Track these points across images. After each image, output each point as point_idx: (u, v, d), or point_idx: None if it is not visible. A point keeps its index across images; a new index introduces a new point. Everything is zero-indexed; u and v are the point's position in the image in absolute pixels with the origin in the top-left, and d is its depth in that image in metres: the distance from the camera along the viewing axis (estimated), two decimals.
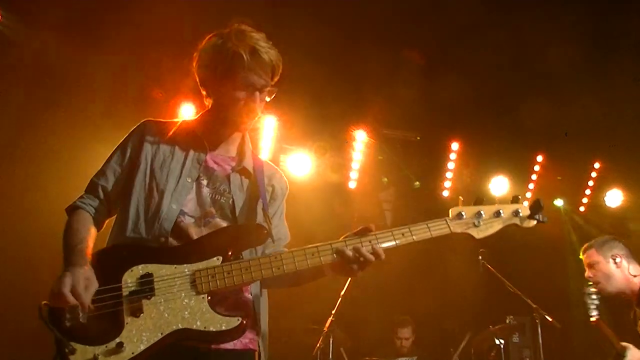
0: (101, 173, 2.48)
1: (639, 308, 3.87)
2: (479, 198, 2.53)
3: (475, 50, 6.13)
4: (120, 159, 2.48)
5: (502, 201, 2.54)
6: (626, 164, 7.62)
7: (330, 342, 5.93)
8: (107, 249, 2.35)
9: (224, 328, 2.19)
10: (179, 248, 2.32)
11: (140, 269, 2.23)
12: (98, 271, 2.20)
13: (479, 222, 2.48)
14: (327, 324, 5.89)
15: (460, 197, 2.53)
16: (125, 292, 2.19)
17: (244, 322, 2.22)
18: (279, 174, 2.71)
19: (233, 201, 2.45)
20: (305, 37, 5.28)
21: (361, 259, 2.31)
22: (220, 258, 2.29)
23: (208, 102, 2.56)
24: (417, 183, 7.67)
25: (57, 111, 5.47)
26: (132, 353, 2.11)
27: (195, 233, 2.37)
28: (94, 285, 2.15)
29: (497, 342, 6.24)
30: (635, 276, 3.94)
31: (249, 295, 2.44)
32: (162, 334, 2.16)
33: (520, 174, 7.85)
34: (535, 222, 2.52)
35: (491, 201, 2.54)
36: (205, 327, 2.19)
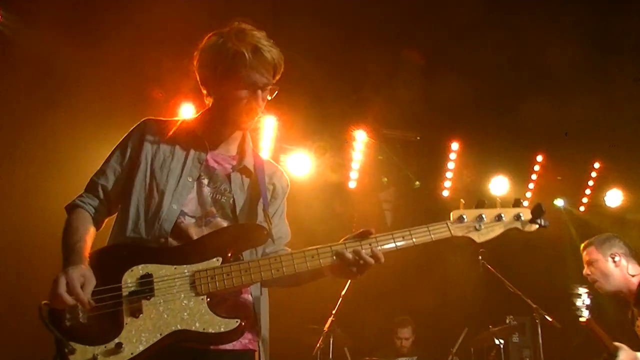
0: (101, 172, 2.48)
1: (636, 308, 3.87)
2: (481, 201, 2.52)
3: (475, 50, 6.13)
4: (120, 159, 2.48)
5: (504, 204, 2.53)
6: (626, 164, 7.63)
7: (331, 342, 5.94)
8: (107, 248, 2.35)
9: (222, 330, 2.19)
10: (179, 248, 2.32)
11: (140, 269, 2.23)
12: (98, 270, 2.19)
13: (480, 225, 2.47)
14: (327, 324, 5.89)
15: (462, 200, 2.52)
16: (125, 292, 2.19)
17: (243, 324, 2.22)
18: (279, 172, 2.70)
19: (234, 201, 2.45)
20: (305, 37, 5.28)
21: (361, 262, 2.30)
22: (220, 259, 2.28)
23: (208, 101, 2.55)
24: (417, 183, 7.67)
25: (57, 111, 5.47)
26: (131, 354, 2.11)
27: (195, 233, 2.36)
28: (91, 283, 2.14)
29: (497, 342, 6.25)
30: (633, 276, 3.93)
31: (249, 295, 2.44)
32: (161, 334, 2.16)
33: (520, 174, 7.84)
34: (536, 226, 2.51)
35: (493, 203, 2.52)
36: (204, 329, 2.18)
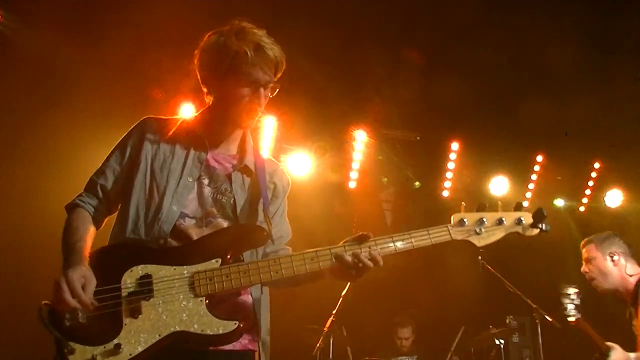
0: (100, 172, 2.48)
1: (633, 307, 3.86)
2: (482, 204, 2.50)
3: (475, 50, 6.13)
4: (120, 158, 2.48)
5: (505, 207, 2.52)
6: (626, 164, 7.62)
7: (331, 342, 5.94)
8: (107, 248, 2.35)
9: (220, 332, 2.19)
10: (179, 249, 2.31)
11: (139, 270, 2.23)
12: (97, 270, 2.20)
13: (480, 229, 2.46)
14: (327, 324, 5.89)
15: (463, 203, 2.50)
16: (124, 292, 2.19)
17: (241, 325, 2.21)
18: (280, 171, 2.69)
19: (234, 200, 2.44)
20: (305, 37, 5.27)
21: (360, 265, 2.30)
22: (219, 260, 2.28)
23: (209, 100, 2.54)
24: (417, 183, 7.67)
25: (57, 111, 5.46)
26: (130, 354, 2.11)
27: (196, 234, 2.36)
28: (92, 283, 2.14)
29: (497, 342, 6.25)
30: (631, 275, 3.92)
31: (249, 296, 2.43)
32: (159, 335, 2.16)
33: (520, 174, 7.84)
34: (537, 231, 2.50)
35: (494, 207, 2.51)
36: (202, 330, 2.18)
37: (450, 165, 7.61)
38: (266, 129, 6.45)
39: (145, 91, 5.92)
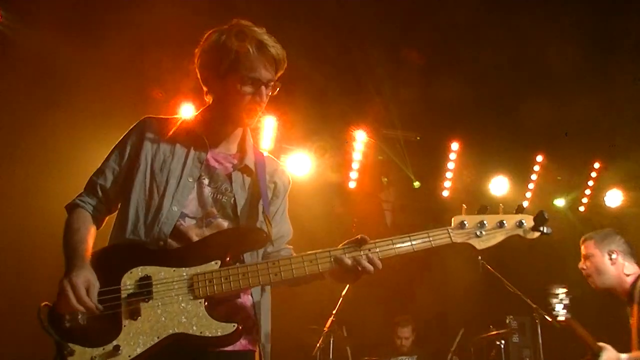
0: (100, 172, 2.47)
1: (629, 307, 3.85)
2: (483, 206, 2.49)
3: (475, 50, 6.13)
4: (119, 158, 2.47)
5: (506, 210, 2.50)
6: (626, 164, 7.61)
7: (331, 342, 5.94)
8: (107, 249, 2.35)
9: (219, 334, 2.19)
10: (179, 250, 2.31)
11: (139, 271, 2.23)
12: (98, 271, 2.20)
13: (481, 232, 2.44)
14: (327, 324, 5.89)
15: (464, 205, 2.48)
16: (124, 294, 2.19)
17: (240, 327, 2.21)
18: (280, 170, 2.68)
19: (235, 200, 2.43)
20: (305, 37, 5.27)
21: (359, 268, 2.29)
22: (219, 262, 2.28)
23: (209, 99, 2.53)
24: (417, 183, 7.67)
25: (57, 111, 5.46)
26: (129, 356, 2.11)
27: (196, 234, 2.35)
28: (96, 287, 2.15)
29: (497, 342, 6.25)
30: (628, 275, 3.88)
31: (249, 297, 2.43)
32: (158, 337, 2.15)
33: (520, 174, 7.83)
34: (539, 234, 2.48)
35: (495, 209, 2.49)
36: (201, 332, 2.18)
37: (450, 165, 7.60)
38: (266, 129, 6.44)
39: (145, 91, 5.92)
